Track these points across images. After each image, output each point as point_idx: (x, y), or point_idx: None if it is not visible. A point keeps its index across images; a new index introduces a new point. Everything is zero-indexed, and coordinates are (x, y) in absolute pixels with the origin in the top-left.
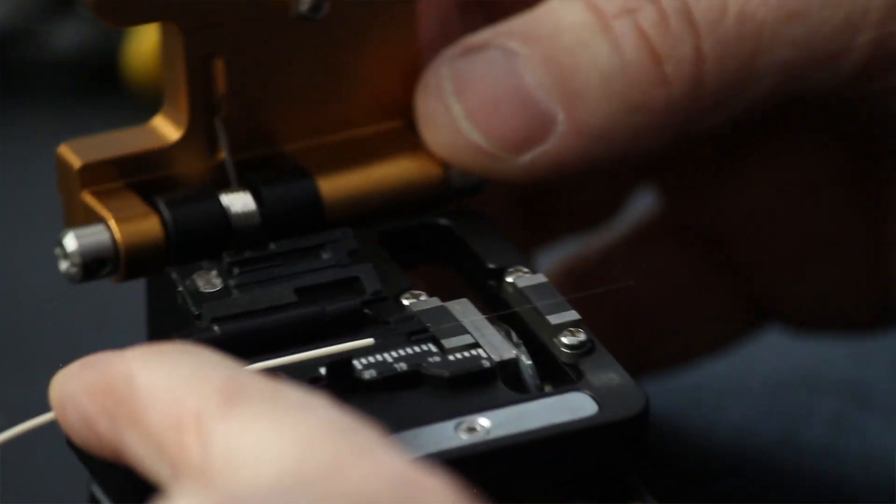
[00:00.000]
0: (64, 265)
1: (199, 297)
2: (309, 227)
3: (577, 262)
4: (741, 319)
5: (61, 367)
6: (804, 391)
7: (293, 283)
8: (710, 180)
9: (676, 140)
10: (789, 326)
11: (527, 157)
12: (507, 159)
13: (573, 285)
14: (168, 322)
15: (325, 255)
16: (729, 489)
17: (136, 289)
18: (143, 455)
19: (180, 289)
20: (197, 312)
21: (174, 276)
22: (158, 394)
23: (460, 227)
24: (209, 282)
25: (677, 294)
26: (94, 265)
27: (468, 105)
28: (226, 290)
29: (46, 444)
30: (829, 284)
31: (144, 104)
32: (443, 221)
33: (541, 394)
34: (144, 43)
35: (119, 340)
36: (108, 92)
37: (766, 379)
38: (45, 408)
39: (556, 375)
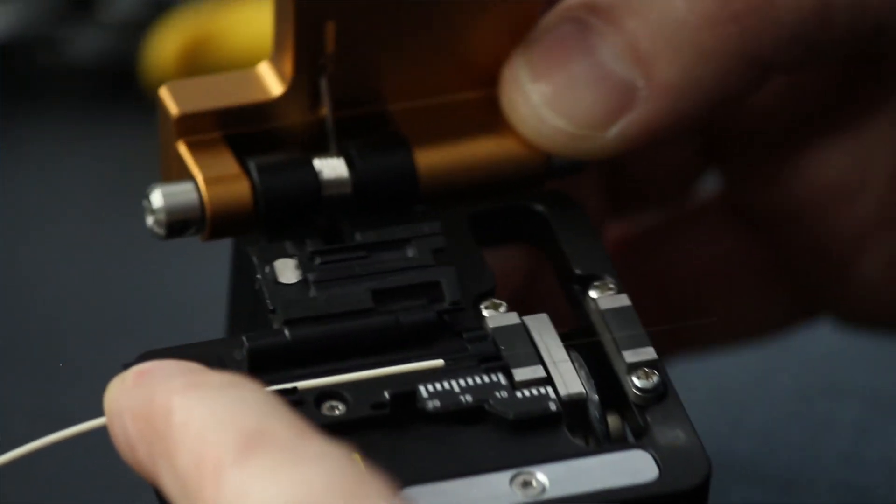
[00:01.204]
0: (149, 220)
1: (276, 288)
2: (402, 199)
3: (633, 233)
4: (790, 308)
5: (122, 366)
6: (827, 397)
7: (371, 285)
8: (773, 162)
9: (763, 80)
10: (840, 319)
11: (614, 131)
12: (595, 137)
13: (625, 256)
14: (246, 297)
15: (410, 252)
16: (750, 496)
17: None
18: (172, 491)
19: (259, 276)
20: (272, 308)
21: (255, 259)
22: (189, 435)
23: (554, 218)
24: (288, 272)
25: (727, 276)
26: (178, 224)
27: (546, 91)
28: (304, 284)
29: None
30: (883, 276)
31: None
32: (537, 207)
33: (601, 448)
34: (164, 50)
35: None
36: (127, 99)
37: (788, 385)
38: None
39: (623, 409)
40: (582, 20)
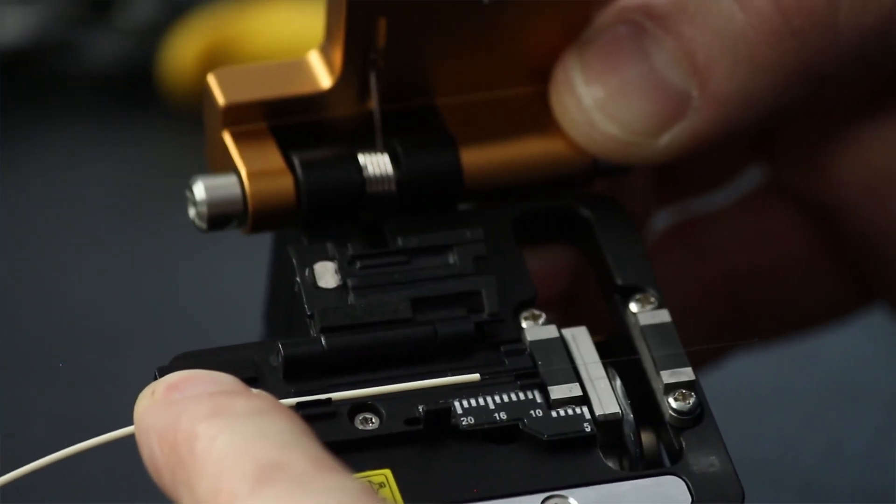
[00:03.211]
0: (192, 212)
1: (315, 293)
2: (446, 198)
3: (688, 223)
4: (847, 296)
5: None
6: (848, 401)
7: (410, 293)
8: (825, 148)
9: (816, 94)
10: (895, 306)
11: (665, 139)
12: (646, 144)
13: (680, 244)
14: (285, 297)
15: (451, 259)
16: (771, 498)
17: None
18: None
19: (298, 279)
20: (310, 313)
21: (294, 261)
22: (210, 465)
23: (598, 224)
24: (328, 276)
25: (783, 264)
26: (220, 217)
27: (599, 95)
28: (343, 289)
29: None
30: None
31: (181, 116)
32: (583, 212)
33: (634, 473)
34: (181, 54)
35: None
36: (144, 104)
37: (809, 388)
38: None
39: (658, 429)
40: (638, 24)
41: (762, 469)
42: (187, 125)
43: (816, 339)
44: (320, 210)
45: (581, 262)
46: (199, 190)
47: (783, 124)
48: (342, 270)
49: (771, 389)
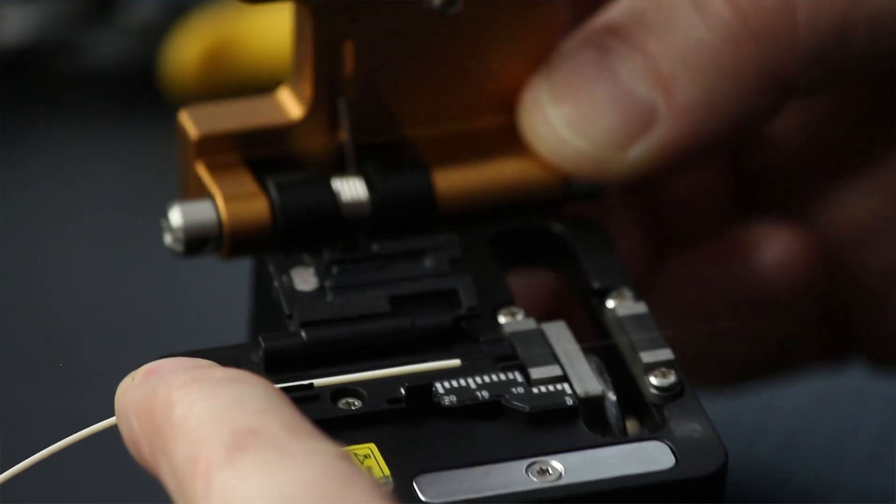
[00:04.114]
0: (168, 238)
1: (293, 295)
2: (420, 220)
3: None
4: (824, 348)
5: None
6: (850, 403)
7: (388, 291)
8: (800, 205)
9: (782, 102)
10: (872, 360)
11: (635, 152)
12: (615, 158)
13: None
14: (267, 309)
15: (427, 262)
16: (772, 500)
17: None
18: (170, 486)
19: (276, 284)
20: (288, 312)
21: (272, 268)
22: (187, 431)
23: (572, 237)
24: (306, 280)
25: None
26: (197, 242)
27: (567, 112)
28: (321, 291)
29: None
30: None
31: None
32: (556, 228)
33: (618, 439)
34: (184, 54)
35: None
36: (146, 103)
37: (811, 390)
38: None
39: (642, 413)
40: (602, 43)
41: (764, 470)
42: None
43: None
44: (296, 232)
45: (560, 286)
46: (175, 215)
47: (761, 184)
48: (319, 274)
49: (772, 391)
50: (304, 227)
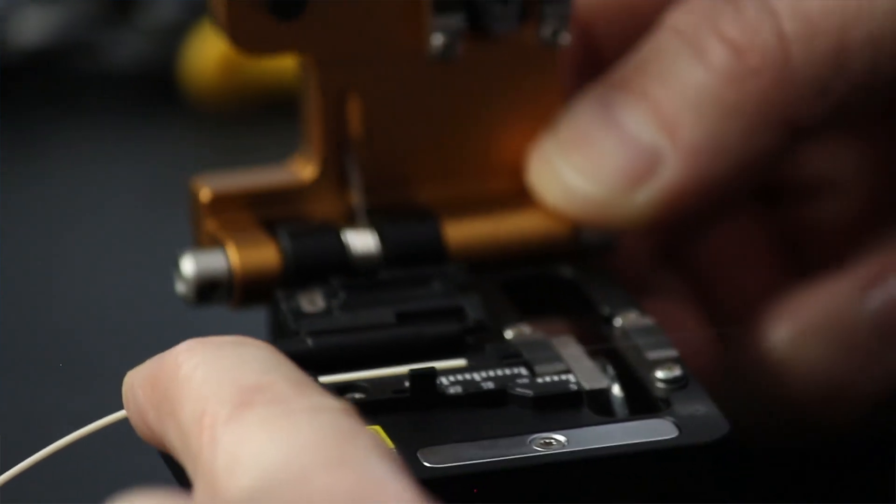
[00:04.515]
0: (179, 287)
1: (300, 315)
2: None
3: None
4: None
5: None
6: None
7: (396, 308)
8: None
9: (789, 140)
10: None
11: (643, 195)
12: (624, 202)
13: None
14: (274, 337)
15: (435, 286)
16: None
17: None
18: (178, 448)
19: (283, 307)
20: (295, 329)
21: (278, 294)
22: (192, 390)
23: (581, 279)
24: (313, 302)
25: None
26: (207, 289)
27: (574, 160)
28: (328, 312)
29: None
30: None
31: (203, 116)
32: (565, 273)
33: (622, 418)
34: (203, 55)
35: None
36: (166, 104)
37: None
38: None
39: (650, 410)
40: (606, 96)
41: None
42: (208, 125)
43: None
44: (306, 281)
45: (570, 327)
46: (186, 264)
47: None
48: (328, 297)
49: None
50: (314, 276)
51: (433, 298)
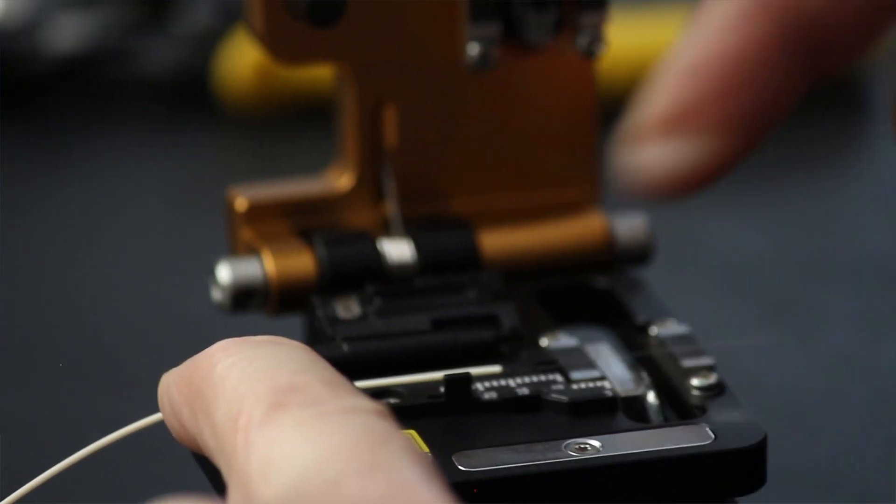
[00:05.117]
0: (216, 294)
1: (335, 321)
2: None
3: None
4: None
5: None
6: None
7: (431, 315)
8: None
9: None
10: None
11: None
12: None
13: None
14: (311, 343)
15: (470, 294)
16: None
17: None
18: (212, 448)
19: (318, 314)
20: (331, 334)
21: (314, 300)
22: (227, 390)
23: (616, 288)
24: (348, 309)
25: None
26: (243, 297)
27: None
28: (363, 318)
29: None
30: None
31: (237, 123)
32: (601, 283)
33: (658, 424)
34: (237, 62)
35: None
36: (200, 111)
37: (865, 398)
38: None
39: (685, 417)
40: None
41: (817, 478)
42: (243, 131)
43: (873, 347)
44: (341, 287)
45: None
46: (223, 271)
47: None
48: (364, 303)
49: (826, 398)
50: (349, 284)
51: (468, 306)
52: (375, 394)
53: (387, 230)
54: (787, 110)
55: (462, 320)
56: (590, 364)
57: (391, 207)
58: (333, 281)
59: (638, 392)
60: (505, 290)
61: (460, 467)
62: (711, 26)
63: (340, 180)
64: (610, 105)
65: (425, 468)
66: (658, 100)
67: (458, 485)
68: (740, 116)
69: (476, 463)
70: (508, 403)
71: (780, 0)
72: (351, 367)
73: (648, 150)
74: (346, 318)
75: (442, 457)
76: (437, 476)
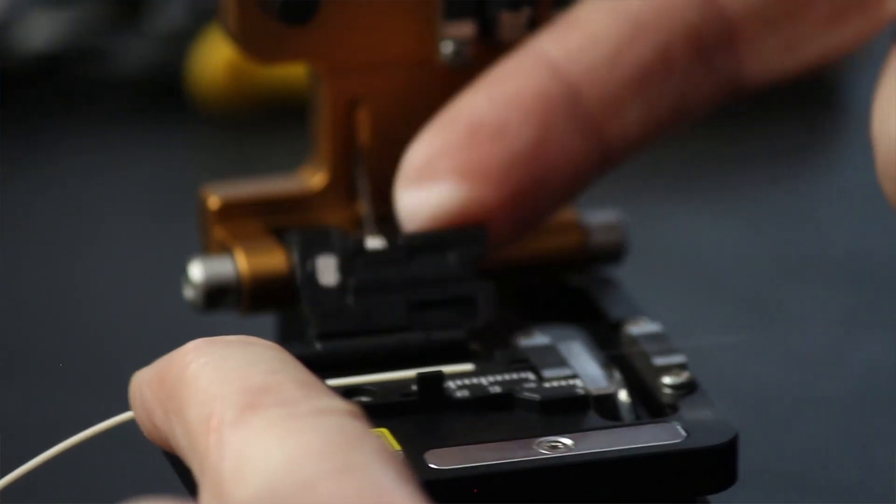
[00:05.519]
0: (189, 293)
1: (315, 293)
2: None
3: None
4: None
5: None
6: (881, 409)
7: (408, 296)
8: None
9: None
10: None
11: None
12: None
13: None
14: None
15: (452, 257)
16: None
17: None
18: (184, 448)
19: (298, 272)
20: (308, 317)
21: (296, 253)
22: (200, 390)
23: (589, 287)
24: (329, 272)
25: None
26: (216, 295)
27: None
28: (342, 289)
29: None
30: None
31: (210, 121)
32: (573, 282)
33: (630, 422)
34: (211, 60)
35: None
36: (174, 110)
37: (838, 394)
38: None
39: (657, 416)
40: None
41: (789, 477)
42: (216, 130)
43: (846, 345)
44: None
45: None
46: (195, 269)
47: None
48: (343, 269)
49: (799, 396)
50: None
51: (447, 283)
52: (347, 392)
53: (360, 229)
54: (553, 164)
55: (438, 304)
56: (562, 362)
57: (364, 206)
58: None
59: (610, 390)
60: (487, 250)
61: (432, 465)
62: (497, 81)
63: (314, 179)
64: None
65: (398, 469)
66: (422, 146)
67: (430, 483)
68: (478, 166)
69: (448, 461)
70: (481, 401)
71: (545, 54)
72: (323, 366)
73: (411, 193)
74: (324, 289)
75: (414, 455)
76: (409, 477)
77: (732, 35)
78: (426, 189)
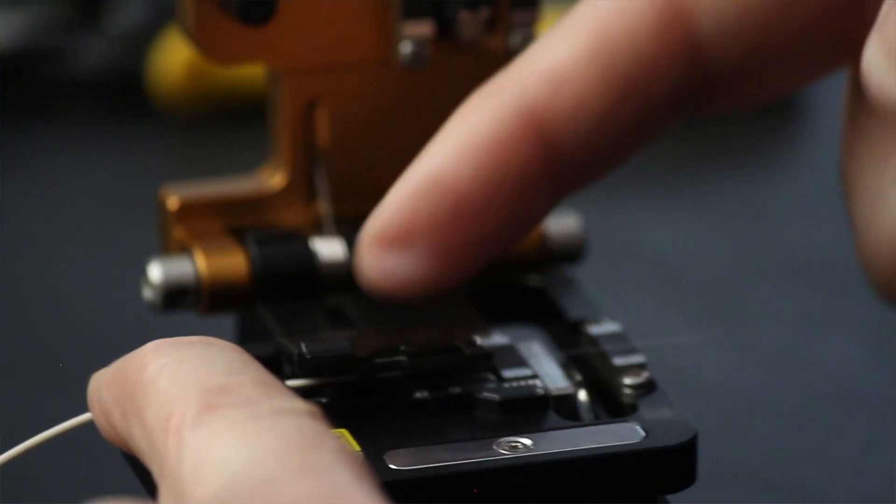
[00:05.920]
0: (147, 293)
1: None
2: None
3: None
4: None
5: None
6: (837, 406)
7: (402, 342)
8: None
9: None
10: None
11: None
12: None
13: None
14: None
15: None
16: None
17: None
18: (143, 449)
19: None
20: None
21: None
22: (158, 391)
23: (549, 287)
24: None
25: None
26: (175, 296)
27: None
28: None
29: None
30: None
31: (170, 122)
32: (533, 282)
33: (589, 422)
34: (170, 60)
35: None
36: (133, 110)
37: (798, 394)
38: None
39: (616, 415)
40: None
41: (749, 477)
42: (175, 130)
43: (806, 345)
44: (273, 288)
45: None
46: (154, 270)
47: None
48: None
49: (759, 396)
50: (281, 282)
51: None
52: (307, 392)
53: (319, 229)
54: (523, 232)
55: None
56: (521, 362)
57: (324, 206)
58: (265, 280)
59: (569, 390)
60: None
61: (392, 466)
62: (455, 140)
63: (273, 179)
64: None
65: (358, 470)
66: (384, 212)
67: (390, 484)
68: (459, 244)
69: (407, 462)
70: (440, 402)
71: (534, 119)
72: (280, 365)
73: (386, 254)
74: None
75: (373, 456)
76: (369, 478)
77: (708, 84)
78: (402, 256)
